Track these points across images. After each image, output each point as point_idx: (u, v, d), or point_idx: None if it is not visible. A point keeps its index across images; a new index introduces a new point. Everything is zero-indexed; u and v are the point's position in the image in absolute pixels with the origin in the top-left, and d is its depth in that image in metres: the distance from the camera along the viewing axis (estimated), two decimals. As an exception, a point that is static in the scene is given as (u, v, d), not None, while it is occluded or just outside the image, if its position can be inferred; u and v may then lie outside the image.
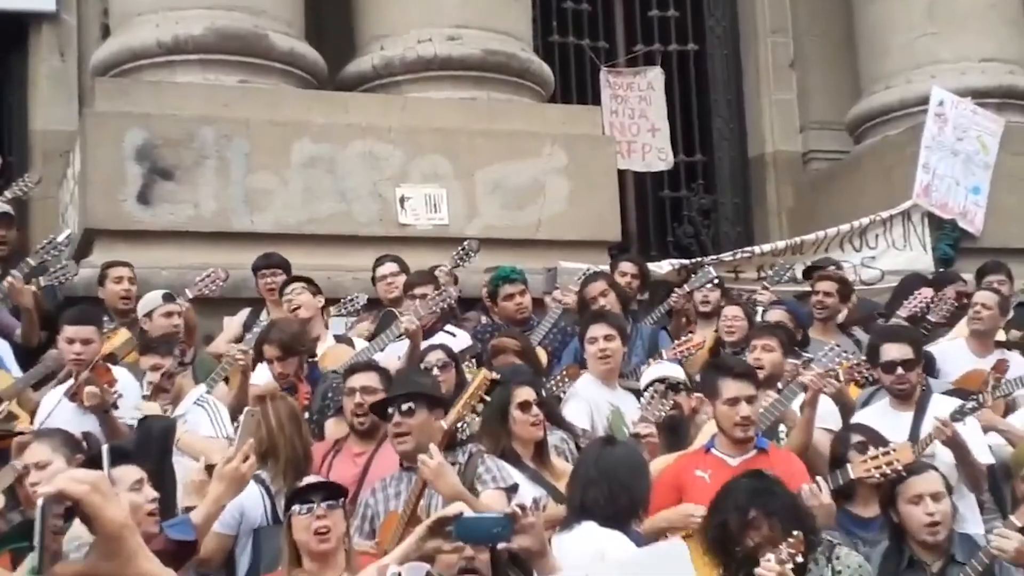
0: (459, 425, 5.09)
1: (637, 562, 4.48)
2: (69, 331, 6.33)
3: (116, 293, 7.50)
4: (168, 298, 7.13)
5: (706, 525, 4.40)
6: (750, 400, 5.36)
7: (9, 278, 7.13)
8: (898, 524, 4.93)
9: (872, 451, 5.21)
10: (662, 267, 9.52)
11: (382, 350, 6.88)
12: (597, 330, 6.51)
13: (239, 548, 5.11)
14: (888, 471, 5.09)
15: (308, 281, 7.35)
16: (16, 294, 7.14)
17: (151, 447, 5.52)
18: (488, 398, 5.06)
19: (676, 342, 7.18)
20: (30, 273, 7.35)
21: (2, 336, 7.19)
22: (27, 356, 7.09)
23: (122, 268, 7.61)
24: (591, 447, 5.11)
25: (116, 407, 5.93)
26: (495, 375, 5.29)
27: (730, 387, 5.35)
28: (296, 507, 4.40)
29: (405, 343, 6.80)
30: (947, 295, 8.02)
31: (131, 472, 4.27)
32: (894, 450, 5.24)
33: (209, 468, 4.78)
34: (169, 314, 7.00)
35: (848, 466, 5.31)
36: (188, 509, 4.68)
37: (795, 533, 4.17)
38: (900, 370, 6.08)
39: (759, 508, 4.23)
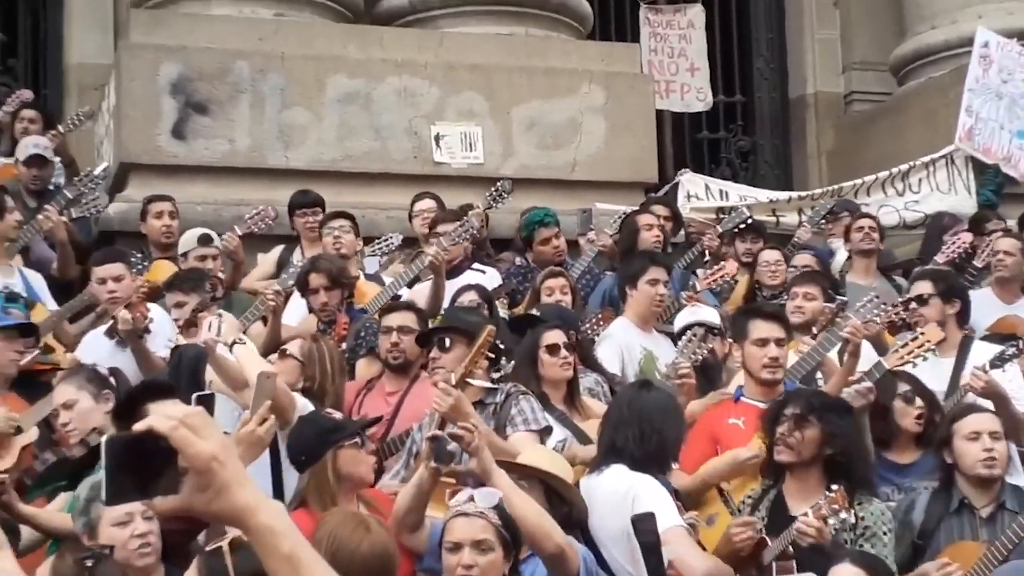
0: (496, 364, 5.07)
1: None
2: (99, 272, 6.47)
3: (158, 228, 7.53)
4: (204, 240, 7.12)
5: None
6: (779, 342, 5.34)
7: (44, 212, 7.13)
8: (950, 465, 4.88)
9: (900, 340, 5.30)
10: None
11: (408, 286, 6.86)
12: (658, 273, 6.40)
13: None
14: (923, 352, 5.26)
15: (352, 220, 7.33)
16: (51, 228, 7.14)
17: (182, 375, 5.53)
18: (492, 355, 5.03)
19: (708, 271, 7.12)
20: (65, 205, 7.35)
21: (39, 269, 7.21)
22: (62, 289, 7.11)
23: (163, 203, 7.62)
24: (626, 390, 5.08)
25: (148, 331, 5.97)
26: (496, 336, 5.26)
27: (760, 328, 5.34)
28: (348, 440, 4.41)
29: (428, 284, 6.78)
30: (991, 239, 7.89)
31: (166, 408, 4.27)
32: (922, 333, 5.35)
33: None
34: (203, 258, 7.00)
35: (881, 360, 5.38)
36: None
37: (834, 487, 4.16)
38: (913, 304, 6.05)
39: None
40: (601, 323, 6.42)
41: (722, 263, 7.26)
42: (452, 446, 4.16)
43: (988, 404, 5.73)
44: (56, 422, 5.02)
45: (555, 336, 5.42)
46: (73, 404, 4.90)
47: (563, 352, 5.38)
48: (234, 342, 5.24)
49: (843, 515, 4.13)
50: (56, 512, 4.54)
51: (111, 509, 3.81)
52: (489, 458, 4.21)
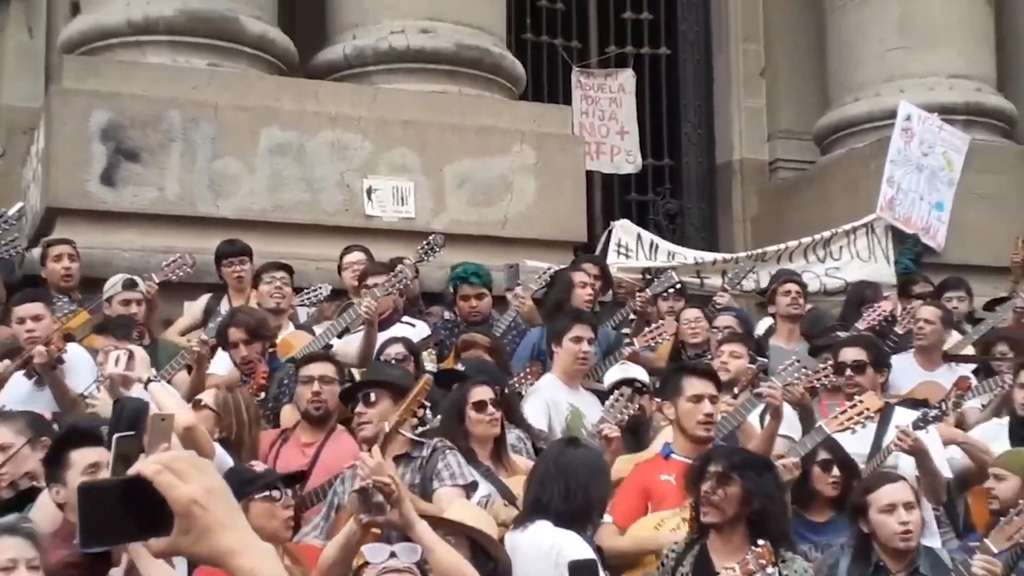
0: (421, 418, 5.09)
1: None
2: (18, 312, 6.44)
3: (56, 271, 7.50)
4: (128, 285, 7.09)
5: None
6: (712, 399, 5.40)
7: None
8: (866, 533, 4.96)
9: (840, 407, 5.37)
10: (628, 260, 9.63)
11: (338, 336, 6.86)
12: (583, 331, 6.47)
13: None
14: (862, 420, 5.36)
15: (290, 272, 7.34)
16: None
17: (121, 426, 5.44)
18: (428, 403, 5.07)
19: (647, 329, 7.20)
20: None
21: None
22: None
23: (61, 246, 7.60)
24: (553, 446, 5.11)
25: (62, 362, 5.95)
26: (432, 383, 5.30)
27: (694, 384, 5.40)
28: (259, 493, 4.38)
29: (359, 335, 6.79)
30: (913, 306, 8.06)
31: (89, 455, 4.23)
32: (861, 401, 5.44)
33: None
34: (127, 302, 6.97)
35: (821, 423, 5.48)
36: None
37: (760, 542, 4.21)
38: (849, 372, 6.16)
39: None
40: (529, 377, 6.46)
41: (661, 322, 7.36)
42: (379, 497, 4.16)
43: (910, 466, 5.87)
44: None
45: (482, 392, 5.45)
46: (9, 447, 4.83)
47: (490, 408, 5.41)
48: (148, 379, 5.19)
49: (769, 570, 4.19)
50: None
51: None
52: (411, 508, 4.22)
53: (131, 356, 5.25)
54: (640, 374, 6.41)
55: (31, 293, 6.82)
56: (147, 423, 4.99)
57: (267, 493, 4.41)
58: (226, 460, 5.03)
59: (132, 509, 1.83)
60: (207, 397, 5.37)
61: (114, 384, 5.16)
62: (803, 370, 6.09)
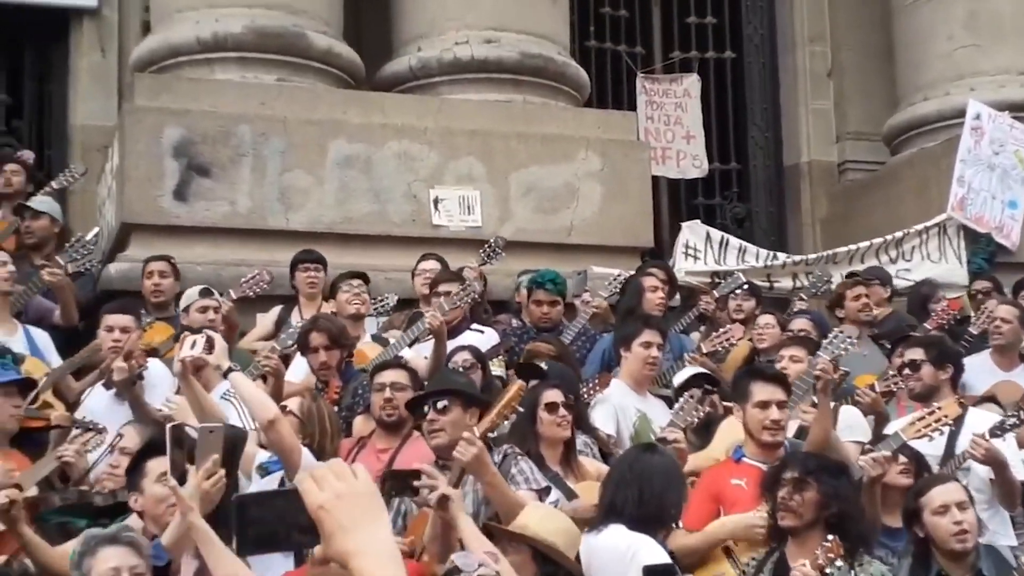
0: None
1: None
2: (108, 320, 6.52)
3: (148, 288, 7.60)
4: (205, 293, 7.19)
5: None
6: (780, 405, 5.37)
7: (48, 267, 7.16)
8: (923, 538, 4.91)
9: (917, 413, 5.31)
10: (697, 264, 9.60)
11: (409, 346, 6.92)
12: (652, 336, 6.47)
13: None
14: (939, 427, 5.29)
15: (365, 279, 7.42)
16: (56, 282, 7.18)
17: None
18: (521, 408, 5.09)
19: (715, 333, 7.19)
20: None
21: (38, 322, 7.25)
22: (67, 337, 7.14)
23: (154, 263, 7.68)
24: (630, 452, 5.12)
25: (141, 378, 6.01)
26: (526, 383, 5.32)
27: (761, 390, 5.38)
28: None
29: (432, 342, 6.84)
30: (986, 307, 7.96)
31: (160, 464, 4.33)
32: (939, 407, 5.40)
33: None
34: (204, 309, 7.06)
35: (899, 432, 5.42)
36: None
37: (829, 537, 4.21)
38: (907, 370, 6.10)
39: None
40: (598, 388, 6.47)
41: (728, 326, 7.34)
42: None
43: (983, 469, 5.80)
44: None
45: (554, 395, 5.47)
46: (129, 451, 4.93)
47: (561, 411, 5.42)
48: (229, 368, 5.25)
49: (839, 563, 4.19)
50: (58, 550, 4.56)
51: (96, 566, 3.88)
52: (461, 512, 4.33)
53: (210, 341, 5.30)
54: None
55: (126, 304, 6.91)
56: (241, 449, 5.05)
57: None
58: (312, 463, 5.08)
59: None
60: (292, 404, 5.41)
61: (185, 369, 5.20)
62: (848, 339, 6.05)
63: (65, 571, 4.32)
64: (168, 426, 4.31)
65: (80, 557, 4.07)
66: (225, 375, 5.27)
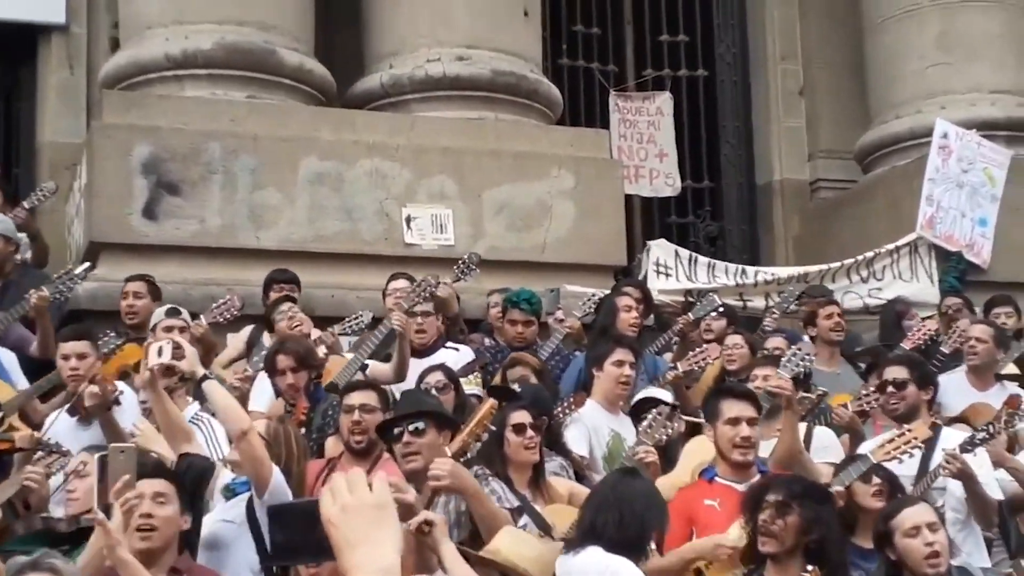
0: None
1: None
2: (64, 348, 6.41)
3: (123, 308, 7.51)
4: (172, 313, 7.10)
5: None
6: (751, 422, 5.34)
7: (38, 292, 7.04)
8: (895, 561, 4.87)
9: (887, 435, 5.34)
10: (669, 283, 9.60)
11: (371, 356, 6.86)
12: (624, 355, 6.42)
13: None
14: (909, 449, 5.28)
15: (293, 301, 7.36)
16: (41, 307, 7.07)
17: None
18: (493, 427, 5.04)
19: (692, 353, 7.16)
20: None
21: (16, 350, 7.13)
22: (43, 369, 7.03)
23: (131, 283, 7.61)
24: (613, 475, 5.07)
25: (118, 403, 5.90)
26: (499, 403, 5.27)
27: (731, 407, 5.36)
28: None
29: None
30: (959, 326, 7.96)
31: (155, 484, 4.35)
32: (909, 430, 5.41)
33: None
34: (169, 328, 6.96)
35: (868, 453, 5.39)
36: None
37: (809, 568, 4.18)
38: (891, 389, 6.08)
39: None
40: (572, 407, 6.42)
41: (704, 347, 7.31)
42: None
43: (959, 488, 5.78)
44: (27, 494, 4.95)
45: (521, 416, 5.38)
46: (86, 476, 4.84)
47: (529, 432, 5.34)
48: (204, 376, 5.16)
49: None
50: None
51: None
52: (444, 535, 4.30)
53: (178, 347, 5.18)
54: (663, 395, 6.40)
55: (78, 330, 6.76)
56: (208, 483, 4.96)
57: None
58: (281, 481, 5.03)
59: (308, 530, 1.97)
60: (259, 427, 5.35)
61: (154, 378, 5.07)
62: (807, 356, 6.03)
63: None
64: (96, 456, 4.25)
65: None
66: (199, 382, 5.20)
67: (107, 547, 3.99)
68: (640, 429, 5.62)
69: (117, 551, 4.00)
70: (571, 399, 6.50)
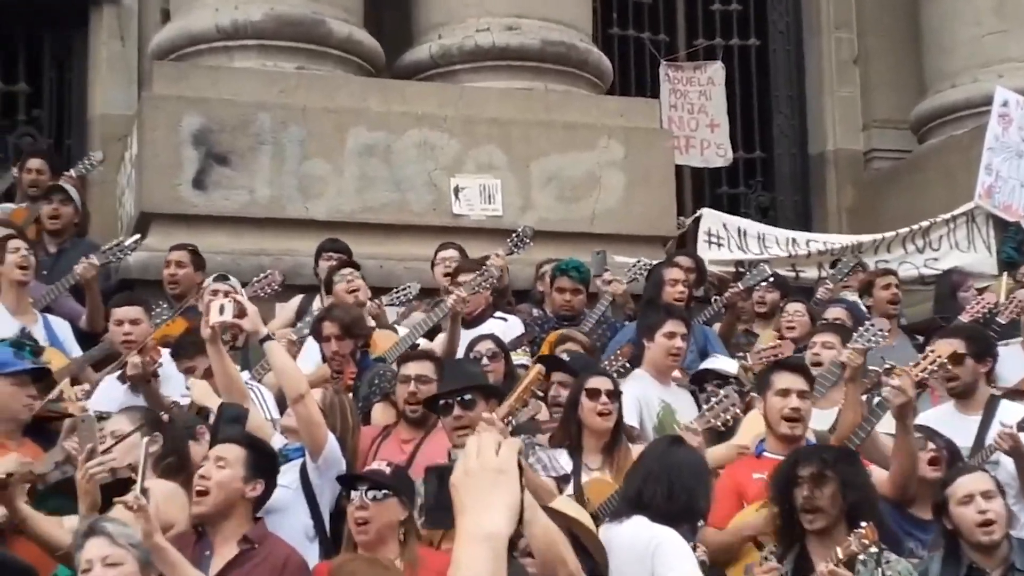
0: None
1: None
2: (117, 313, 6.48)
3: (165, 278, 7.54)
4: (220, 278, 7.12)
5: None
6: (801, 394, 5.28)
7: (87, 260, 7.10)
8: (952, 530, 4.80)
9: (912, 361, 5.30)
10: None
11: (428, 335, 6.85)
12: (676, 326, 6.33)
13: None
14: (936, 368, 5.29)
15: (356, 268, 7.35)
16: (90, 276, 7.13)
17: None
18: (540, 393, 5.02)
19: (763, 347, 7.04)
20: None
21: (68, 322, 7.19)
22: (92, 342, 7.09)
23: (174, 252, 7.64)
24: (659, 444, 5.00)
25: (156, 376, 5.93)
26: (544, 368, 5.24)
27: (782, 379, 5.31)
28: (349, 493, 4.49)
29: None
30: (1016, 295, 7.81)
31: (219, 449, 4.54)
32: (932, 351, 5.40)
33: None
34: (215, 293, 6.96)
35: (899, 370, 5.36)
36: None
37: (863, 524, 4.14)
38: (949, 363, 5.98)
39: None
40: (620, 358, 6.39)
41: (779, 342, 7.20)
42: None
43: (1010, 461, 5.68)
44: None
45: (597, 381, 5.38)
46: (122, 435, 4.87)
47: (603, 398, 5.32)
48: (267, 336, 5.17)
49: (873, 549, 4.15)
50: (59, 526, 4.51)
51: (85, 551, 3.82)
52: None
53: (239, 306, 5.15)
54: (728, 366, 6.31)
55: (132, 296, 6.85)
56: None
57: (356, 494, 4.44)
58: (335, 446, 5.05)
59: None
60: (315, 395, 5.37)
61: (214, 334, 5.09)
62: (880, 331, 5.95)
63: (62, 543, 4.30)
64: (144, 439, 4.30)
65: (81, 538, 4.01)
66: (262, 342, 5.22)
67: (144, 533, 4.01)
68: (706, 407, 5.52)
69: (154, 538, 4.03)
70: (619, 351, 6.45)
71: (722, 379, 6.16)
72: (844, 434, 5.54)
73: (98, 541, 3.85)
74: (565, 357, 6.19)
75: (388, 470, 4.57)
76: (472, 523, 1.88)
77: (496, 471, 1.91)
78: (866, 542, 4.10)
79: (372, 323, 7.11)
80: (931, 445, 5.40)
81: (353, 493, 4.45)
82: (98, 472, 4.34)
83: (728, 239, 9.76)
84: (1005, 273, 8.70)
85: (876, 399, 5.53)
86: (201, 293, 6.99)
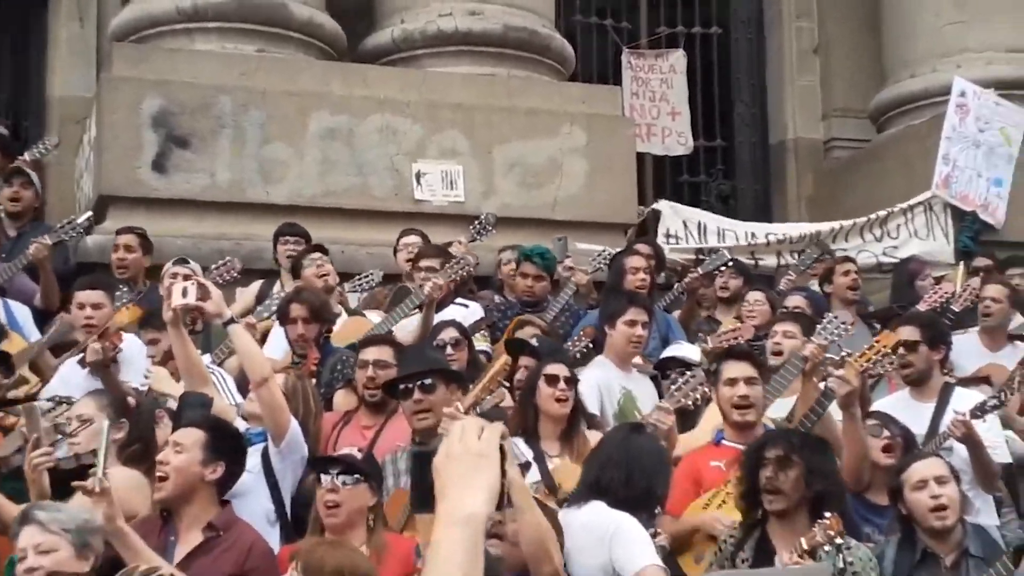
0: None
1: None
2: (80, 296, 6.42)
3: (112, 262, 7.50)
4: (179, 262, 7.09)
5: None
6: (749, 381, 5.32)
7: (39, 241, 7.06)
8: (907, 515, 4.86)
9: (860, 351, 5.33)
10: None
11: (397, 323, 6.84)
12: (637, 314, 6.34)
13: None
14: (880, 358, 5.31)
15: (325, 252, 7.33)
16: (43, 256, 7.08)
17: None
18: (506, 383, 5.02)
19: (724, 331, 7.07)
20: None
21: (20, 300, 7.14)
22: (46, 319, 7.05)
23: (122, 235, 7.59)
24: (618, 430, 5.04)
25: (115, 361, 5.90)
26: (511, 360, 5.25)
27: (731, 368, 5.37)
28: (320, 477, 4.48)
29: (417, 317, 6.76)
30: (972, 284, 7.89)
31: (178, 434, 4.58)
32: (877, 341, 5.42)
33: None
34: (175, 276, 6.92)
35: (844, 357, 5.42)
36: None
37: (828, 514, 4.17)
38: (901, 351, 6.03)
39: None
40: (583, 339, 6.41)
41: (738, 324, 7.23)
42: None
43: (963, 448, 5.75)
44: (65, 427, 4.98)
45: (556, 368, 5.39)
46: (89, 420, 4.84)
47: (561, 384, 5.34)
48: (231, 319, 5.15)
49: (838, 540, 4.18)
50: (16, 509, 4.49)
51: (19, 539, 3.81)
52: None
53: (203, 288, 5.13)
54: (691, 353, 6.34)
55: (97, 280, 6.78)
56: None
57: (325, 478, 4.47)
58: (298, 431, 5.05)
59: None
60: (277, 380, 5.35)
61: (176, 318, 5.06)
62: (843, 325, 5.98)
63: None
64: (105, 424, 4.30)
65: (17, 525, 4.00)
66: (226, 325, 5.20)
67: (105, 517, 4.00)
68: (674, 387, 5.54)
69: (116, 522, 4.02)
70: (582, 331, 6.47)
71: (685, 366, 6.18)
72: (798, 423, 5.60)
73: (30, 529, 3.85)
74: (534, 342, 6.21)
75: (359, 455, 4.58)
76: (452, 506, 1.91)
77: (478, 455, 1.94)
78: (831, 533, 4.13)
79: (339, 309, 7.10)
80: (886, 432, 5.46)
81: (324, 476, 4.45)
82: (42, 462, 4.33)
83: (687, 237, 9.81)
84: (962, 262, 8.78)
85: (822, 384, 5.58)
86: (161, 277, 6.95)
